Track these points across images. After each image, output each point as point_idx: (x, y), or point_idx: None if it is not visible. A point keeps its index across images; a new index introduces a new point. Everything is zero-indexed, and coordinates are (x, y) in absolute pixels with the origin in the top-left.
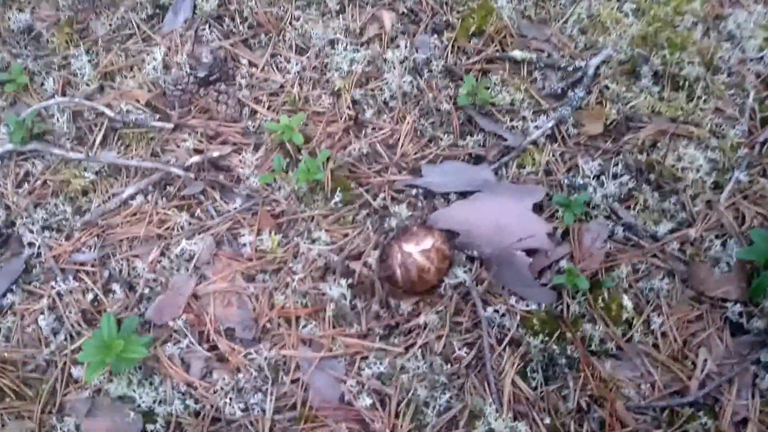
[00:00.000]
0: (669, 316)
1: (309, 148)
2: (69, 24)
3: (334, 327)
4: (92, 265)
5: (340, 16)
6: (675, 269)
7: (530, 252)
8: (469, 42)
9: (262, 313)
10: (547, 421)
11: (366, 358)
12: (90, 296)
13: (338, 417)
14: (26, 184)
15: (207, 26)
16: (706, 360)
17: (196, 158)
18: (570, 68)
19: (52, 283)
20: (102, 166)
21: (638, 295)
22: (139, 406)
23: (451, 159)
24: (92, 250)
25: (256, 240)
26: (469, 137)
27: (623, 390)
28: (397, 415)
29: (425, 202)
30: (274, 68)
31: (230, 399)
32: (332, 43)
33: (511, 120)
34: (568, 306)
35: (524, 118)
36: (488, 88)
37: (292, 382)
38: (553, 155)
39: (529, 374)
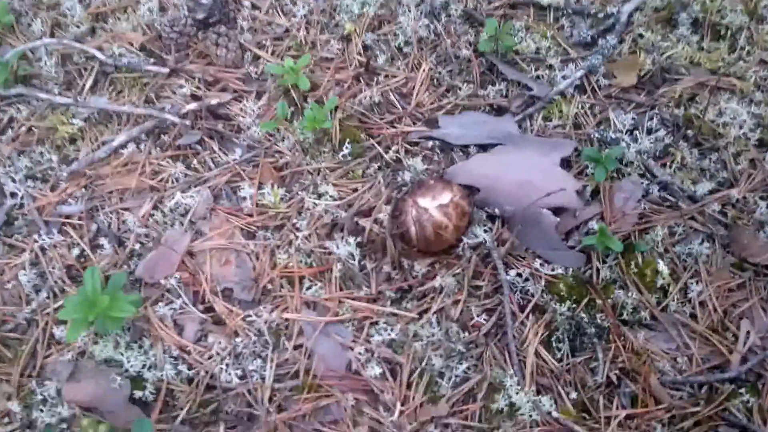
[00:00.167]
0: (708, 283)
1: (316, 96)
2: None
3: (341, 289)
4: (79, 218)
5: None
6: (715, 233)
7: (557, 211)
8: None
9: (263, 273)
10: (574, 395)
11: (376, 323)
12: (76, 251)
13: (344, 387)
14: (9, 130)
15: None
16: (748, 332)
17: (193, 105)
18: (600, 14)
19: (35, 237)
20: (91, 113)
21: (675, 261)
22: (126, 370)
23: (471, 110)
24: (79, 201)
25: (257, 194)
26: (490, 87)
27: (657, 363)
28: (408, 386)
29: (442, 156)
30: (279, 10)
31: (227, 365)
32: None
33: (537, 69)
34: (597, 270)
35: (551, 66)
36: (512, 35)
37: (295, 348)
38: (582, 107)
39: (554, 344)
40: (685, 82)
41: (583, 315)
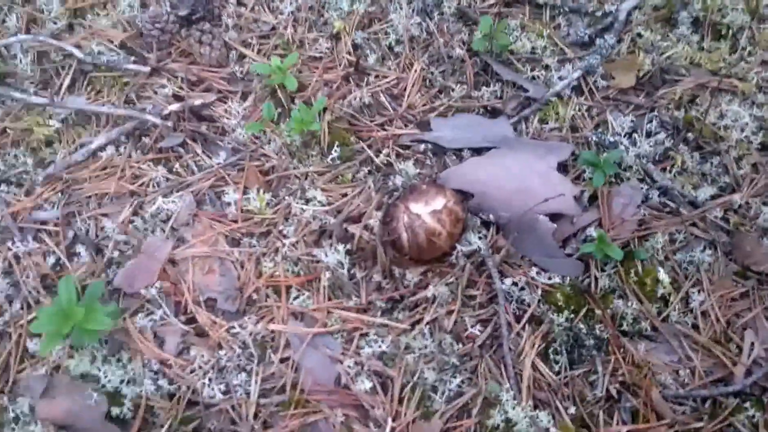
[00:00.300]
0: (710, 292)
1: (303, 97)
2: None
3: (329, 299)
4: (55, 224)
5: None
6: (717, 240)
7: (554, 217)
8: None
9: (248, 282)
10: (572, 410)
11: (366, 335)
12: (51, 259)
13: (333, 402)
14: None
15: None
16: (752, 343)
17: (175, 106)
18: (598, 13)
19: (9, 244)
20: (69, 113)
21: (676, 269)
22: (103, 386)
23: (464, 111)
24: (55, 207)
25: (242, 199)
26: (484, 87)
27: (659, 376)
28: (400, 401)
29: (435, 160)
30: (265, 7)
31: (209, 380)
32: None
33: (533, 69)
34: (596, 279)
35: (547, 67)
36: (507, 33)
37: (281, 361)
38: (580, 109)
39: (551, 357)
40: (686, 84)
41: (581, 326)
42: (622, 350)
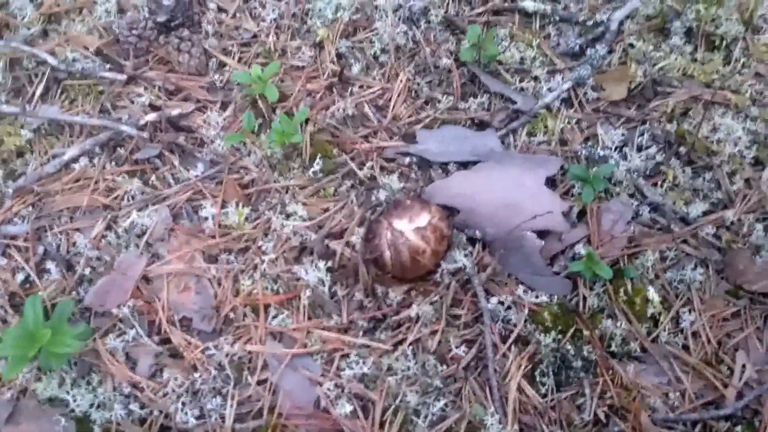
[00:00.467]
0: (701, 312)
1: (285, 107)
2: None
3: (309, 318)
4: (25, 239)
5: None
6: (709, 257)
7: (542, 234)
8: None
9: (225, 301)
10: None
11: (347, 356)
12: (20, 276)
13: (312, 426)
14: None
15: None
16: (744, 365)
17: (152, 116)
18: (589, 22)
19: None
20: (41, 123)
21: (666, 288)
22: (72, 410)
23: (451, 124)
24: (25, 221)
25: (220, 213)
26: (471, 99)
27: (648, 399)
28: (381, 425)
29: (420, 173)
30: (247, 14)
31: (183, 404)
32: None
33: (521, 80)
34: (584, 298)
35: (536, 78)
36: (495, 43)
37: (258, 383)
38: (569, 122)
39: (538, 378)
40: (678, 96)
41: (568, 347)
42: (610, 372)
